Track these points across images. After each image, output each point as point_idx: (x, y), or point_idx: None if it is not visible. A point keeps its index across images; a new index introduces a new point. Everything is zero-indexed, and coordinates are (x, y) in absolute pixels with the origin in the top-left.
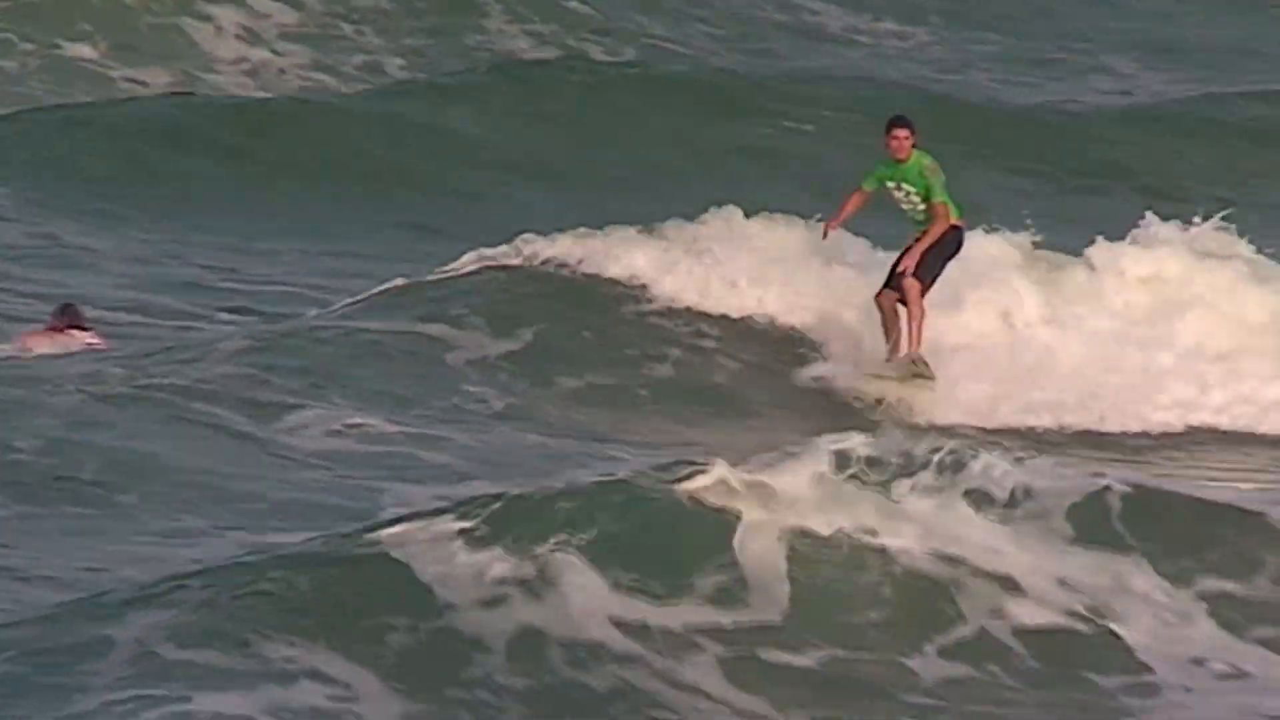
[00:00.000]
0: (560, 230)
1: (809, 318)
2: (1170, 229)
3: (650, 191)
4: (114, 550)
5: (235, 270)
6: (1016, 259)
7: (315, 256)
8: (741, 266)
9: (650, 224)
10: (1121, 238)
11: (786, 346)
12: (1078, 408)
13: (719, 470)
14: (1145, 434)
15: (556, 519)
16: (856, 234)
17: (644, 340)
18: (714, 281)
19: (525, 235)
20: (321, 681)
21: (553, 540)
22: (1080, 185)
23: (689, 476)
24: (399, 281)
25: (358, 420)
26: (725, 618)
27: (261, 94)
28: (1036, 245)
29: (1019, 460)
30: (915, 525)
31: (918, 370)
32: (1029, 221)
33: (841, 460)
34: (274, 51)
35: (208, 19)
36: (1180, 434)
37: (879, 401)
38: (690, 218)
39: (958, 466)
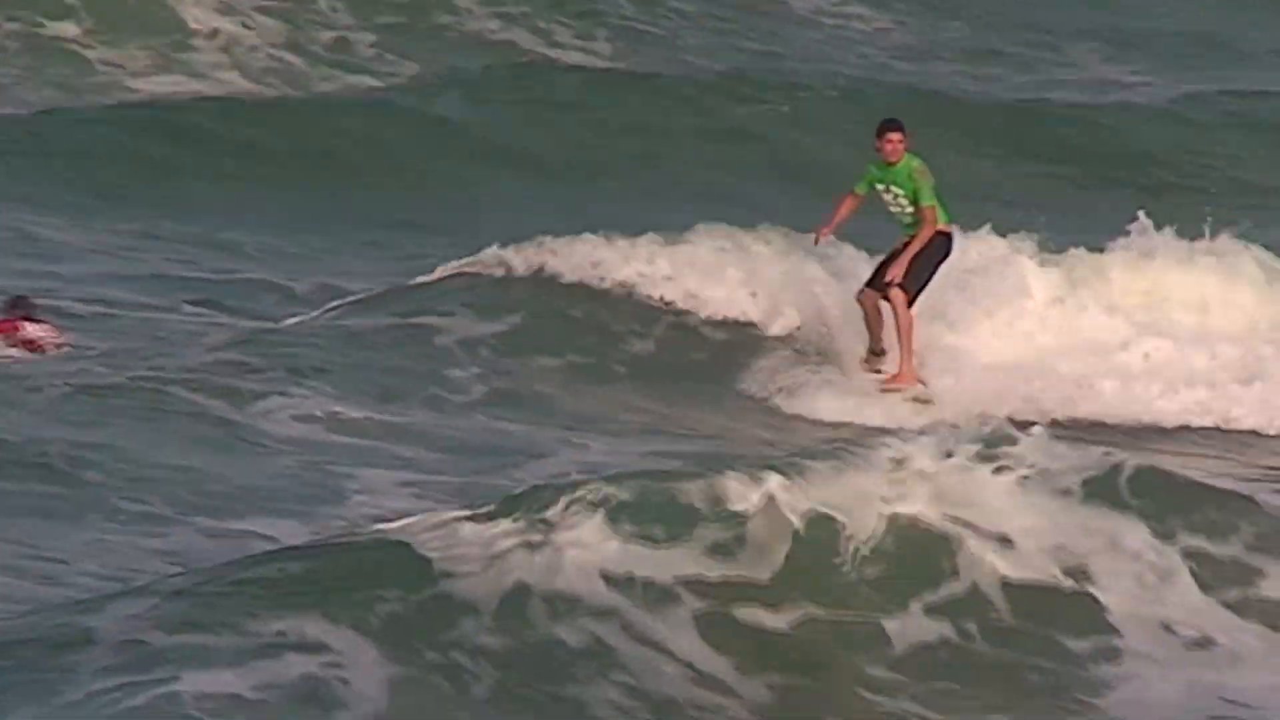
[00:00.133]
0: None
1: (794, 315)
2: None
3: (625, 182)
4: (93, 542)
5: (207, 264)
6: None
7: (299, 253)
8: (733, 271)
9: (639, 223)
10: (1104, 234)
11: (771, 345)
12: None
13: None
14: (1150, 428)
15: (565, 503)
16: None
17: (626, 334)
18: (704, 284)
19: (540, 238)
20: (310, 653)
21: (561, 521)
22: (1046, 174)
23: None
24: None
25: (336, 409)
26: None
27: (244, 88)
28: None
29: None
30: (925, 488)
31: (916, 397)
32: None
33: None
34: (246, 26)
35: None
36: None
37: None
38: (671, 210)
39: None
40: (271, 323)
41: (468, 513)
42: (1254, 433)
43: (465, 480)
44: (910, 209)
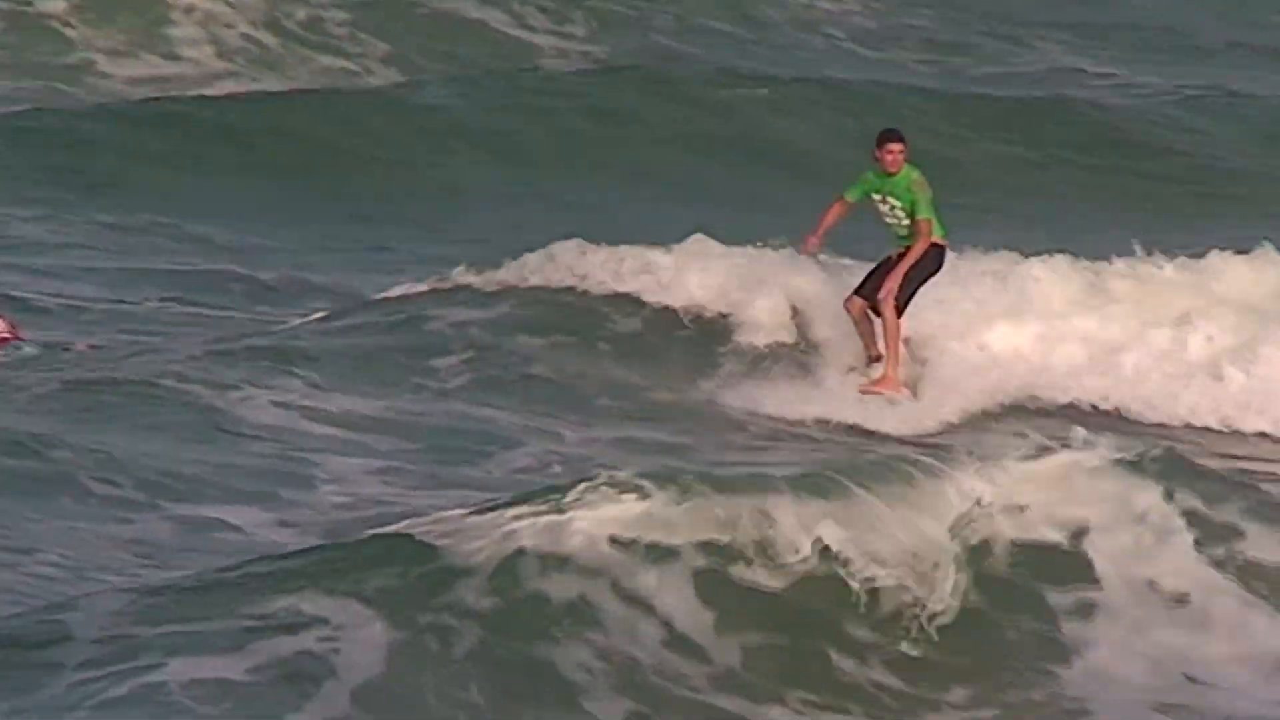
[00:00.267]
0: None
1: (783, 320)
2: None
3: (606, 174)
4: (62, 529)
5: (189, 258)
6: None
7: (280, 247)
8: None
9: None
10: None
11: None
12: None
13: None
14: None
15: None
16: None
17: (607, 326)
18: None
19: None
20: (302, 634)
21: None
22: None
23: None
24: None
25: (314, 398)
26: None
27: (220, 68)
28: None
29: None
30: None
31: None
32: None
33: None
34: (227, 3)
35: None
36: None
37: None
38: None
39: None
40: (251, 315)
41: (462, 510)
42: None
43: (434, 469)
44: (906, 220)
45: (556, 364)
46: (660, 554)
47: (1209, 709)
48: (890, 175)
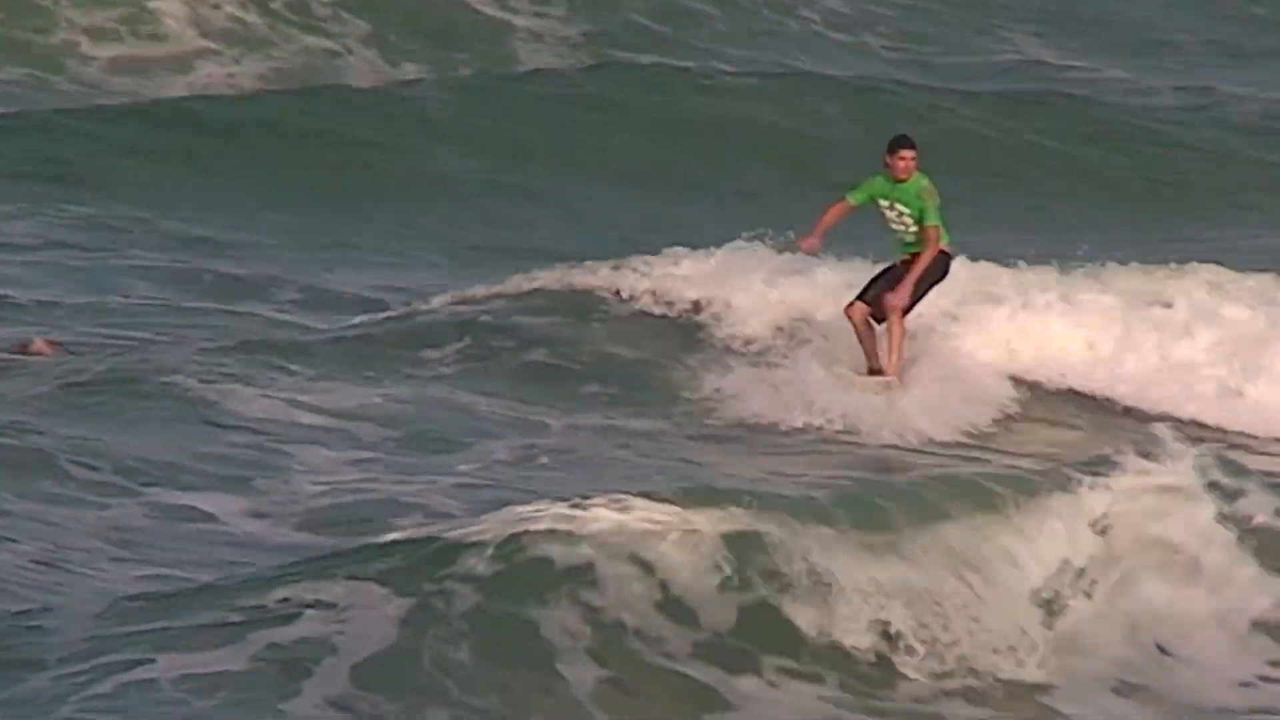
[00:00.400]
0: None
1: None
2: None
3: (591, 171)
4: (35, 513)
5: (185, 256)
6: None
7: (273, 244)
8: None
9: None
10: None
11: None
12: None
13: None
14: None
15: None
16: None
17: (602, 325)
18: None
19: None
20: (296, 627)
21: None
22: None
23: None
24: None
25: (303, 390)
26: None
27: (202, 46)
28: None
29: None
30: None
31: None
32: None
33: None
34: None
35: None
36: None
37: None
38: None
39: None
40: (234, 310)
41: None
42: None
43: (414, 458)
44: (914, 228)
45: (547, 354)
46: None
47: None
48: (900, 182)
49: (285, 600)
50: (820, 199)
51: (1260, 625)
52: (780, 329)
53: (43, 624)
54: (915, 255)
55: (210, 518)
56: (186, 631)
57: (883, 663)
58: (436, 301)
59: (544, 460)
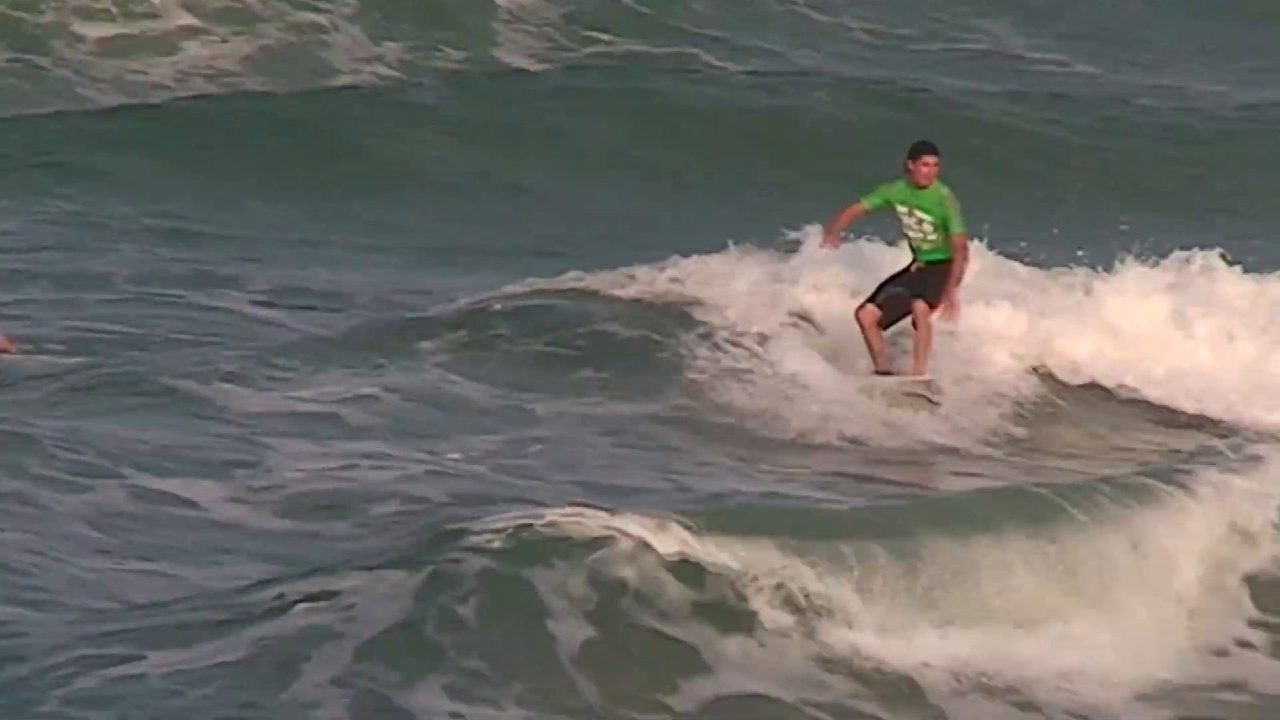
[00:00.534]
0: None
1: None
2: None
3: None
4: (10, 494)
5: (174, 250)
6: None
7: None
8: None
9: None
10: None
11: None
12: None
13: None
14: None
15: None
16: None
17: (603, 319)
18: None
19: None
20: (288, 619)
21: None
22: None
23: None
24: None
25: (293, 382)
26: None
27: (190, 24)
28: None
29: None
30: None
31: (926, 394)
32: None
33: None
34: None
35: None
36: None
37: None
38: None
39: None
40: (220, 303)
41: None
42: None
43: (400, 449)
44: (933, 235)
45: (541, 345)
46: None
47: None
48: (921, 188)
49: (279, 595)
50: (810, 191)
51: None
52: (784, 324)
53: (28, 606)
54: (930, 263)
55: (192, 504)
56: (176, 624)
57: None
58: (429, 298)
59: (535, 449)
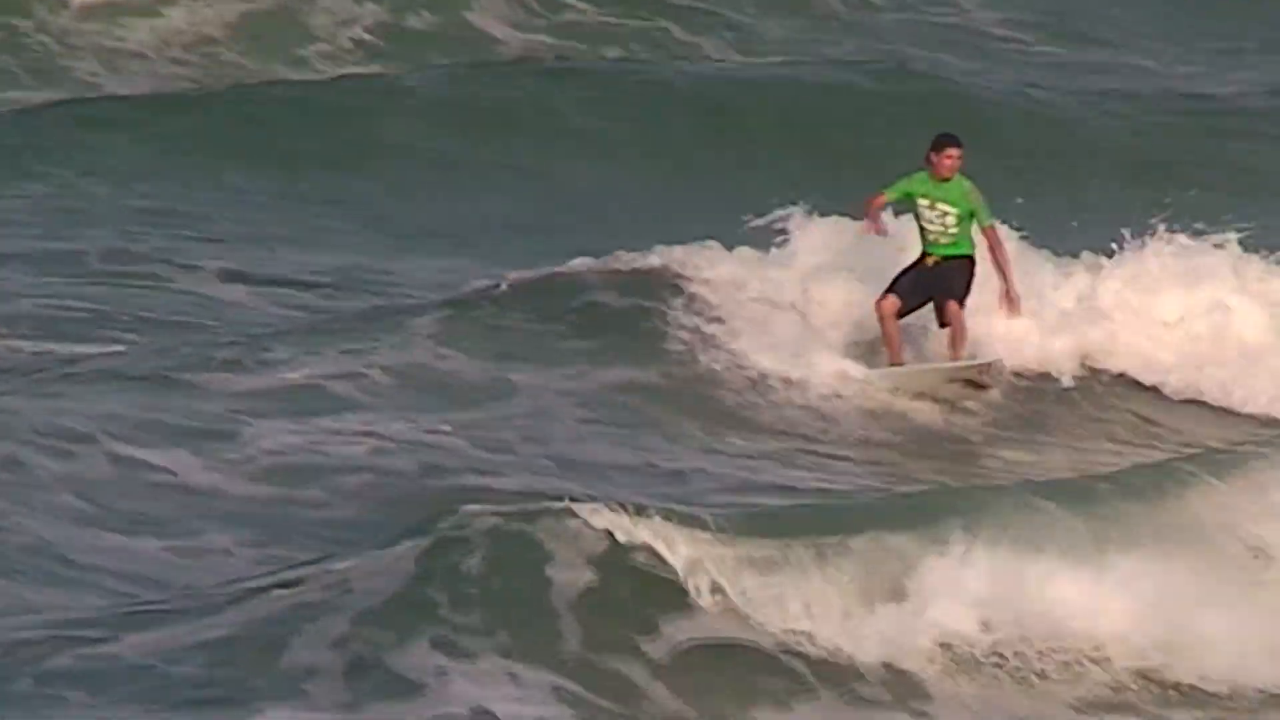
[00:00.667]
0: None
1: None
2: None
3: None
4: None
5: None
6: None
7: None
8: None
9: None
10: None
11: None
12: None
13: None
14: None
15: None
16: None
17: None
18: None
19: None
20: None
21: None
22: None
23: None
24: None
25: (279, 361)
26: None
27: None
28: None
29: None
30: None
31: (986, 378)
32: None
33: None
34: None
35: None
36: None
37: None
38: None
39: None
40: (199, 288)
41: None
42: None
43: (376, 424)
44: (955, 228)
45: (526, 322)
46: None
47: None
48: (944, 181)
49: (261, 567)
50: (790, 169)
51: None
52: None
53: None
54: (947, 258)
55: (171, 476)
56: (156, 598)
57: None
58: (410, 277)
59: (511, 423)
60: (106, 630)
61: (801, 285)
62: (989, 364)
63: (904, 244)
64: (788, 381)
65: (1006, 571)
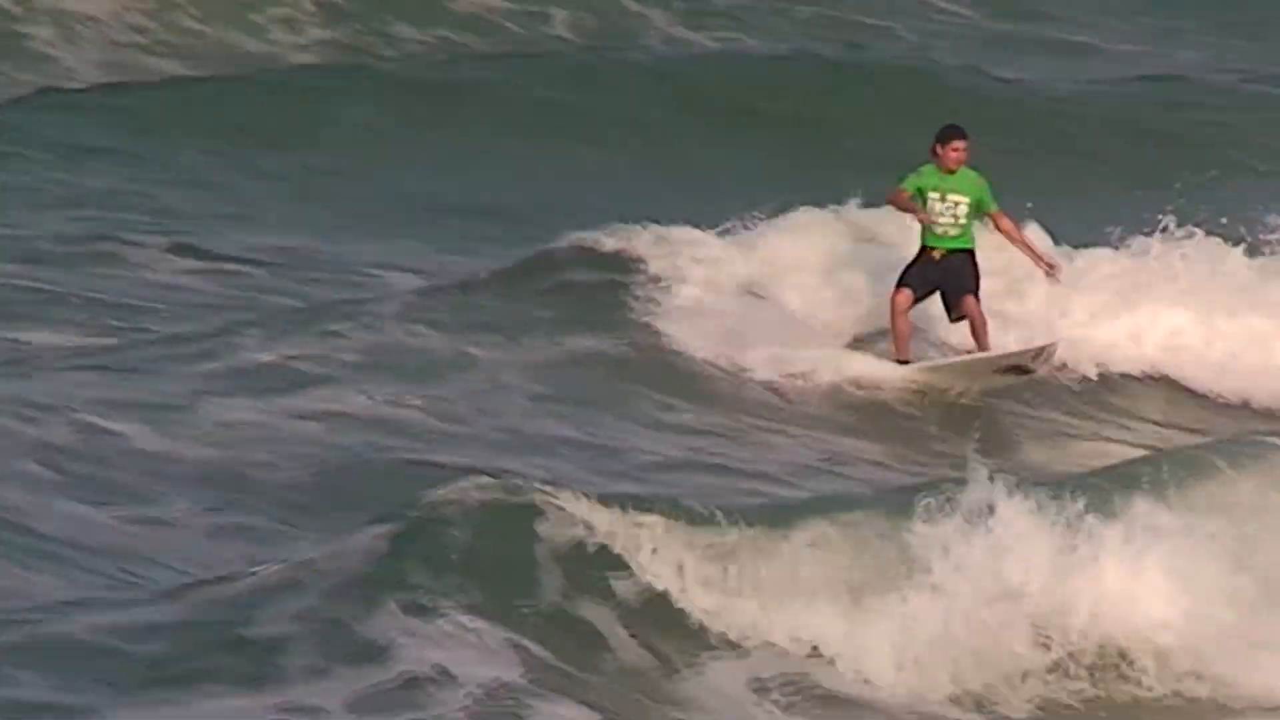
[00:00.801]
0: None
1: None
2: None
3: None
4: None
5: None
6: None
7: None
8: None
9: None
10: None
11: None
12: None
13: None
14: None
15: None
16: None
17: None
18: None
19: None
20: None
21: None
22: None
23: None
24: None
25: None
26: None
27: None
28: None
29: None
30: None
31: (1038, 363)
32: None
33: None
34: None
35: None
36: None
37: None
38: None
39: None
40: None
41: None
42: None
43: (338, 401)
44: (964, 218)
45: (495, 302)
46: None
47: None
48: (951, 173)
49: (219, 550)
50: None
51: None
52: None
53: None
54: (951, 251)
55: (129, 445)
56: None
57: None
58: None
59: (468, 398)
60: (62, 607)
61: (769, 269)
62: (1045, 348)
63: (874, 234)
64: (745, 365)
65: None
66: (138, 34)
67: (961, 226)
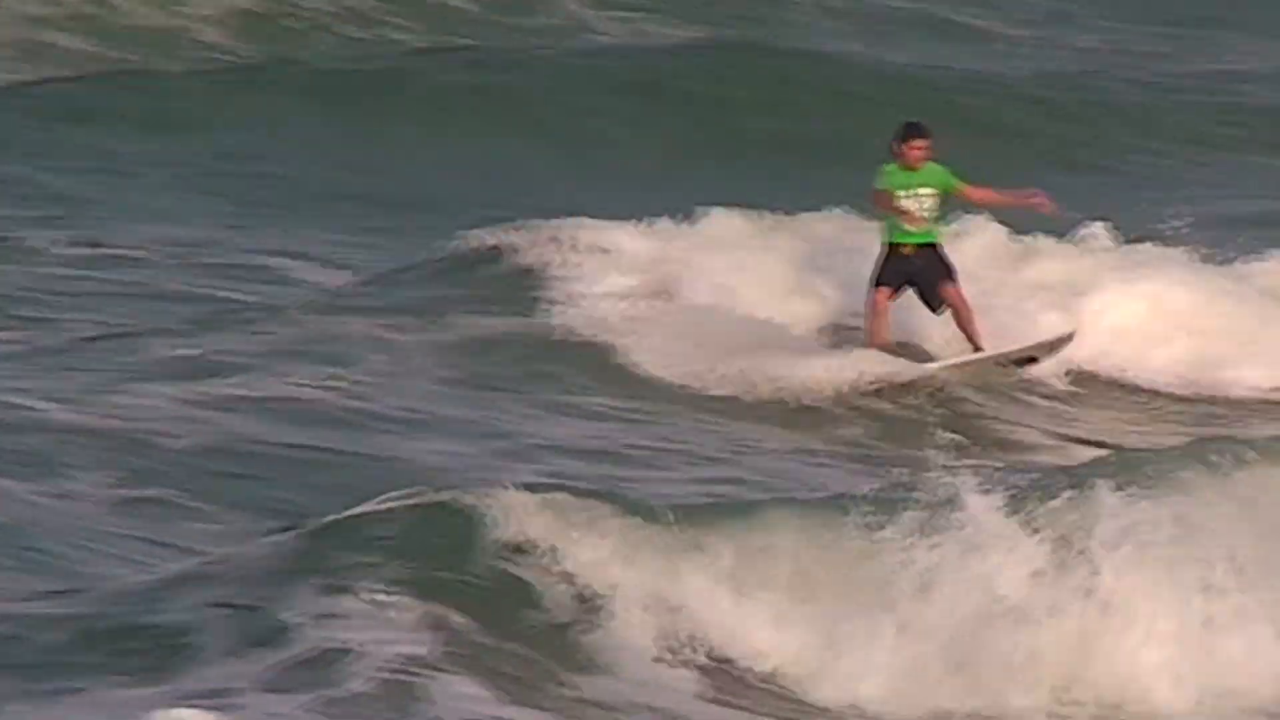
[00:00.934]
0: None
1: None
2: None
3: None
4: None
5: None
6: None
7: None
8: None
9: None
10: None
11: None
12: None
13: None
14: None
15: None
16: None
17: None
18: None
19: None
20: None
21: None
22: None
23: None
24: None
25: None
26: None
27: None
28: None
29: None
30: None
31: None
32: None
33: None
34: None
35: None
36: None
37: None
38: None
39: None
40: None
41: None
42: None
43: (232, 390)
44: (933, 208)
45: (415, 290)
46: None
47: None
48: (914, 171)
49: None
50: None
51: None
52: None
53: None
54: (920, 246)
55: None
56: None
57: None
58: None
59: (378, 381)
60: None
61: (680, 259)
62: (1061, 338)
63: (809, 234)
64: (664, 357)
65: None
66: (48, 5)
67: (933, 215)
